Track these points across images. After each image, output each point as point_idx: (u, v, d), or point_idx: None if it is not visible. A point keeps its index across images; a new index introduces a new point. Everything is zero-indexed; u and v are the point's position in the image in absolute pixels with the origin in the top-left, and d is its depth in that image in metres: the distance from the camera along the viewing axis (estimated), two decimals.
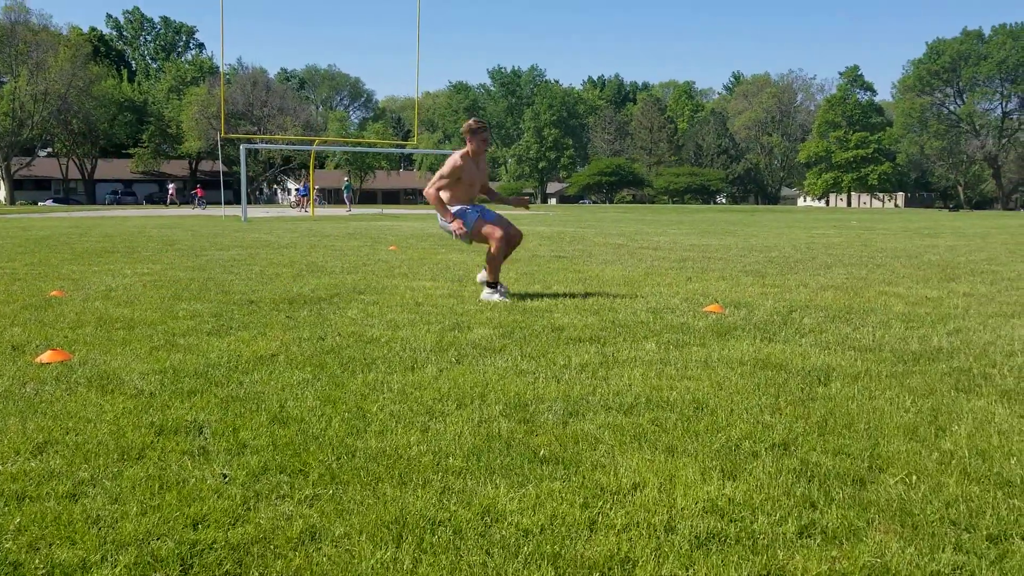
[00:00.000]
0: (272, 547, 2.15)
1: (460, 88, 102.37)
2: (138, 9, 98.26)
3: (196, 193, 56.21)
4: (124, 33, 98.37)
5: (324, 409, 3.44)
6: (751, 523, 2.31)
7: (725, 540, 2.21)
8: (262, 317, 5.94)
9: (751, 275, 9.20)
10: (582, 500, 2.46)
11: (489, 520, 2.32)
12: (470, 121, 7.03)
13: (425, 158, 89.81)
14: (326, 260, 11.00)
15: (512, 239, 7.15)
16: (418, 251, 12.84)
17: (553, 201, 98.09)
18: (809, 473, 2.71)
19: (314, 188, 40.45)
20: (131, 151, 79.03)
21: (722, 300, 6.89)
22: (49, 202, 68.79)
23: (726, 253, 12.76)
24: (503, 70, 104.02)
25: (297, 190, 53.31)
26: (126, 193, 77.25)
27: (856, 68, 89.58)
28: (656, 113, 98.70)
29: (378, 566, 2.04)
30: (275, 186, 66.77)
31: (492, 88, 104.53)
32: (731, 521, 2.33)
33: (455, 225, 6.89)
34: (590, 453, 2.90)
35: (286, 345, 4.84)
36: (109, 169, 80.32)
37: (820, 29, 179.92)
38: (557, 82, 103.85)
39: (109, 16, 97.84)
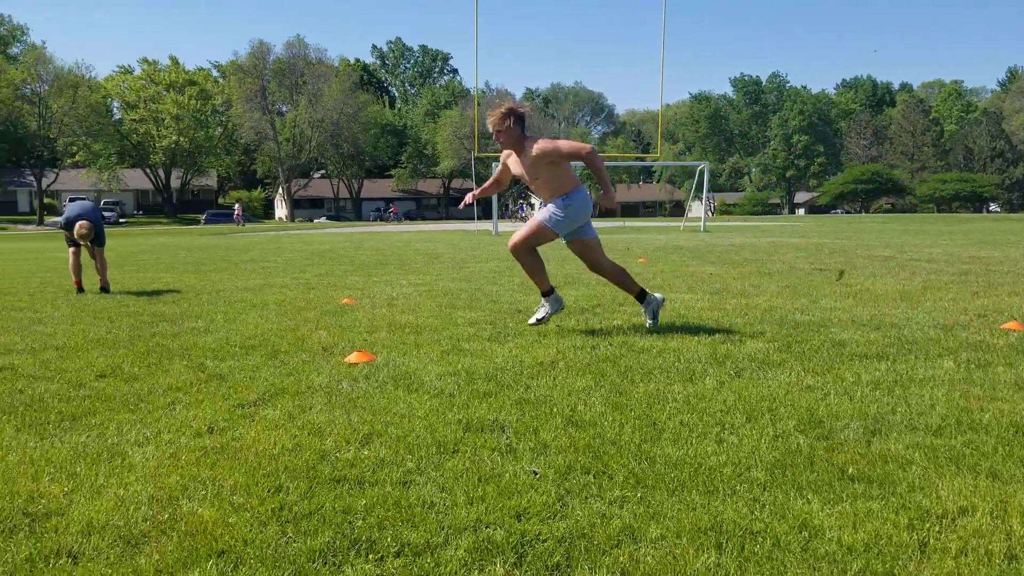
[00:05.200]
0: (595, 543, 2.25)
1: (701, 98, 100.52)
2: (400, 39, 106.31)
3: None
4: (387, 62, 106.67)
5: (614, 415, 3.54)
6: None
7: None
8: (532, 325, 6.18)
9: None
10: (906, 521, 2.34)
11: (807, 534, 2.27)
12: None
13: (665, 170, 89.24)
14: (581, 272, 11.25)
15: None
16: (669, 264, 12.78)
17: (801, 211, 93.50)
18: None
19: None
20: (392, 171, 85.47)
21: (1021, 317, 6.26)
22: (323, 219, 75.89)
23: (1013, 266, 11.54)
24: (745, 78, 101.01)
25: (527, 206, 55.35)
26: (387, 210, 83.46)
27: None
28: (919, 115, 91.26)
29: (703, 569, 2.08)
30: (520, 201, 69.22)
31: (734, 97, 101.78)
32: None
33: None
34: (903, 474, 2.76)
35: (563, 353, 5.01)
36: (373, 188, 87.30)
37: None
38: (806, 88, 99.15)
39: (374, 47, 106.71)
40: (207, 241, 26.76)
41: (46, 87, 64.50)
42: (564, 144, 5.72)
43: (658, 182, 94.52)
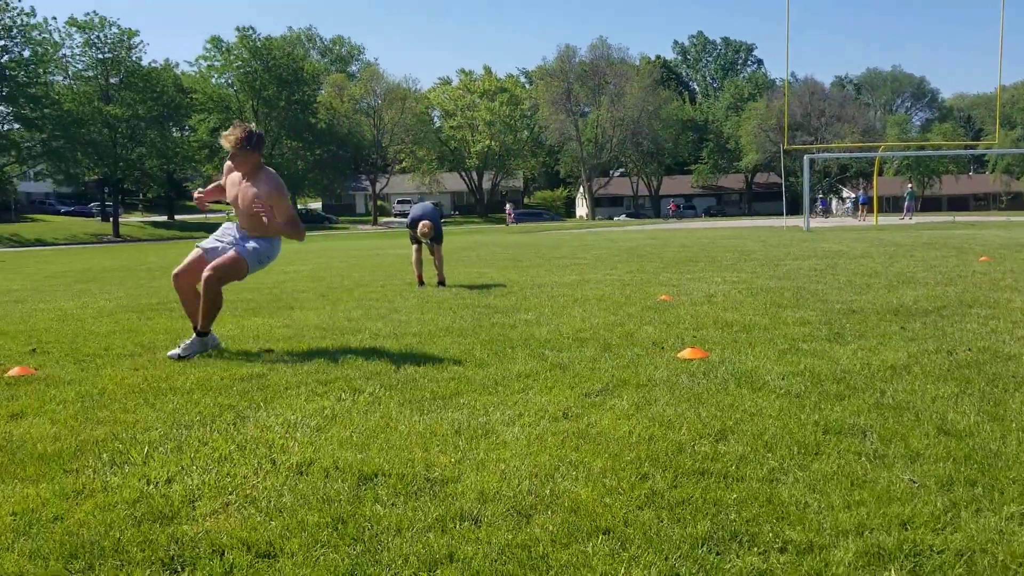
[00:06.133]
0: (999, 559, 2.09)
1: None
2: (702, 33, 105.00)
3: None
4: (688, 57, 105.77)
5: (991, 425, 3.25)
6: None
7: None
8: (873, 327, 5.84)
9: None
10: None
11: None
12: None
13: (1000, 159, 79.40)
14: (913, 270, 10.39)
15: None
16: (1019, 263, 11.38)
17: None
18: None
19: (872, 196, 38.57)
20: (691, 167, 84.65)
21: None
22: (623, 216, 77.07)
23: None
24: None
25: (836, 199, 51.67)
26: (687, 207, 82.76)
27: None
28: None
29: None
30: (829, 195, 65.31)
31: None
32: None
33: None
34: None
35: (915, 357, 4.68)
36: (672, 185, 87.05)
37: None
38: None
39: (676, 43, 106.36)
40: (517, 239, 28.29)
41: (379, 100, 71.98)
42: (277, 219, 5.42)
43: (992, 172, 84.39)
